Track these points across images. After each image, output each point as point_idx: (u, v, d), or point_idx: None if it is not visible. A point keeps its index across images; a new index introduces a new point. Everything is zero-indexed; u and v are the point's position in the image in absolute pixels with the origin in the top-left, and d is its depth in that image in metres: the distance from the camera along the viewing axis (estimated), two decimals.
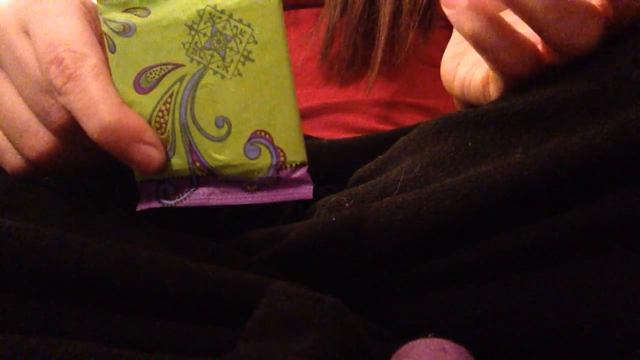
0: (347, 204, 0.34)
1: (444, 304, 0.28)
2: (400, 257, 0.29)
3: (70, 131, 0.26)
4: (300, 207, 0.39)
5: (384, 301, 0.30)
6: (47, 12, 0.26)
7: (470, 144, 0.29)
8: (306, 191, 0.27)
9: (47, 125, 0.27)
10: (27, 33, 0.27)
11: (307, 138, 0.49)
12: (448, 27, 0.58)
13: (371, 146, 0.41)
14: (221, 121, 0.26)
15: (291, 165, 0.26)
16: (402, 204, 0.28)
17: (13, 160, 0.28)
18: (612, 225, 0.23)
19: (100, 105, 0.25)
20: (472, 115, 0.29)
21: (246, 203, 0.27)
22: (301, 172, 0.26)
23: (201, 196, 0.27)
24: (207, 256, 0.30)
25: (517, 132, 0.27)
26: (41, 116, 0.27)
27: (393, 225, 0.28)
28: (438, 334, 0.25)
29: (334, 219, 0.31)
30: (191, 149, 0.26)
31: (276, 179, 0.26)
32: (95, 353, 0.22)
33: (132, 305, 0.25)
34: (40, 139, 0.27)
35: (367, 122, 0.55)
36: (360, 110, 0.55)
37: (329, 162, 0.44)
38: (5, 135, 0.28)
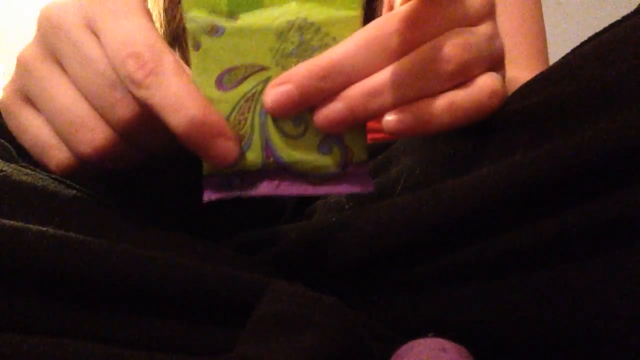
0: (346, 206, 0.34)
1: (444, 304, 0.28)
2: (400, 257, 0.29)
3: (132, 127, 0.27)
4: (300, 208, 0.39)
5: (384, 301, 0.30)
6: (117, 11, 0.26)
7: (470, 146, 0.29)
8: (367, 186, 0.29)
9: (110, 120, 0.27)
10: (93, 31, 0.27)
11: None
12: None
13: (372, 151, 0.42)
14: (299, 120, 0.28)
15: (356, 163, 0.28)
16: (402, 205, 0.28)
17: (60, 155, 0.28)
18: (612, 225, 0.23)
19: (185, 100, 0.25)
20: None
21: (310, 194, 0.29)
22: (364, 169, 0.28)
23: (268, 187, 0.29)
24: (207, 256, 0.30)
25: (518, 134, 0.27)
26: (105, 111, 0.27)
27: (393, 225, 0.28)
28: (438, 334, 0.25)
29: (334, 219, 0.31)
30: (267, 145, 0.28)
31: (342, 174, 0.28)
32: (95, 353, 0.22)
33: (132, 305, 0.25)
34: (98, 134, 0.27)
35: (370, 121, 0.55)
36: None
37: None
38: (56, 130, 0.28)
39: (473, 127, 0.28)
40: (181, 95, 0.25)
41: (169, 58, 0.26)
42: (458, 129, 0.27)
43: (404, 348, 0.24)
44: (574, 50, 0.29)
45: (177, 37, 0.51)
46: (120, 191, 0.35)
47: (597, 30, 0.29)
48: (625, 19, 0.27)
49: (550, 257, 0.25)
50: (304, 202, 0.39)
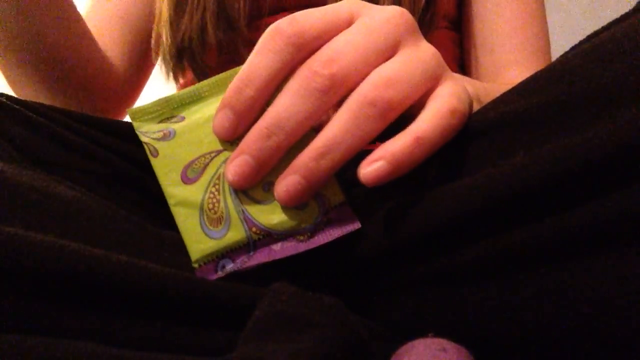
0: None
1: (444, 304, 0.28)
2: (400, 257, 0.29)
3: None
4: None
5: (384, 301, 0.30)
6: None
7: (470, 149, 0.29)
8: (354, 224, 0.30)
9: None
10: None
11: None
12: (449, 28, 0.58)
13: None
14: (267, 185, 0.29)
15: (335, 207, 0.29)
16: (402, 205, 0.28)
17: None
18: (612, 225, 0.23)
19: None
20: (471, 121, 0.29)
21: (304, 250, 0.30)
22: (345, 210, 0.30)
23: (261, 256, 0.29)
24: None
25: (518, 135, 0.27)
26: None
27: (393, 225, 0.28)
28: (438, 334, 0.25)
29: None
30: (245, 218, 0.29)
31: (326, 221, 0.29)
32: (95, 353, 0.22)
33: (132, 307, 0.25)
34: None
35: None
36: None
37: None
38: None
39: (473, 129, 0.28)
40: None
41: None
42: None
43: (404, 348, 0.24)
44: (572, 49, 0.29)
45: (183, 49, 0.51)
46: (120, 192, 0.35)
47: (597, 29, 0.29)
48: (624, 17, 0.27)
49: (551, 257, 0.25)
50: None
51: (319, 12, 0.28)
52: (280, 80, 0.28)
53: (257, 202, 0.29)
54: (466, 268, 0.27)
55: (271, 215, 0.29)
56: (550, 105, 0.26)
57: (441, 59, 0.30)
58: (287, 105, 0.27)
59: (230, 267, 0.29)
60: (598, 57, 0.25)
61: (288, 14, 0.28)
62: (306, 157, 0.27)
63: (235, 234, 0.29)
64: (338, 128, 0.27)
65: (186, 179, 0.29)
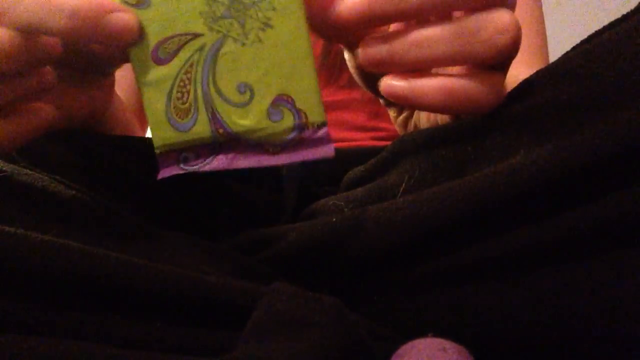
0: (345, 209, 0.34)
1: (444, 304, 0.28)
2: (400, 257, 0.29)
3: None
4: (300, 208, 0.39)
5: (384, 301, 0.30)
6: None
7: (470, 149, 0.29)
8: (327, 149, 0.28)
9: None
10: None
11: None
12: None
13: (368, 153, 0.42)
14: (243, 87, 0.27)
15: (313, 126, 0.27)
16: (402, 205, 0.28)
17: None
18: (612, 225, 0.23)
19: (55, 1, 0.24)
20: (470, 121, 0.29)
21: (269, 164, 0.28)
22: (322, 132, 0.27)
23: (224, 160, 0.28)
24: (207, 256, 0.30)
25: (518, 135, 0.27)
26: None
27: (393, 225, 0.28)
28: (438, 334, 0.25)
29: (334, 220, 0.31)
30: (214, 117, 0.27)
31: (299, 140, 0.27)
32: (95, 353, 0.22)
33: (132, 307, 0.25)
34: None
35: (363, 120, 0.55)
36: (357, 108, 0.56)
37: (329, 166, 0.44)
38: None
39: (472, 131, 0.28)
40: None
41: None
42: (457, 129, 0.27)
43: (404, 348, 0.24)
44: (574, 49, 0.29)
45: None
46: (120, 191, 0.35)
47: (597, 29, 0.29)
48: (625, 18, 0.27)
49: (551, 257, 0.25)
50: (304, 203, 0.39)
51: None
52: None
53: (229, 102, 0.27)
54: (466, 268, 0.27)
55: (242, 120, 0.27)
56: (550, 105, 0.26)
57: None
58: None
59: (192, 163, 0.28)
60: (599, 57, 0.25)
61: None
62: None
63: (201, 130, 0.27)
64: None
65: (157, 59, 0.27)
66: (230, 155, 0.28)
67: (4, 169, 0.28)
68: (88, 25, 0.24)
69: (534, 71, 0.29)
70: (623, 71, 0.24)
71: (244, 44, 0.27)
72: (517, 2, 0.55)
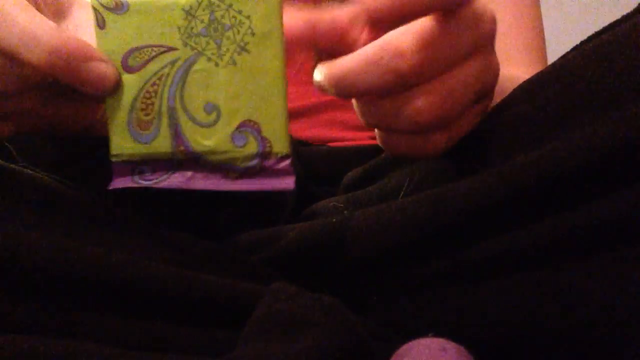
0: (345, 211, 0.34)
1: (444, 304, 0.28)
2: (400, 257, 0.29)
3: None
4: (300, 208, 0.39)
5: (384, 301, 0.30)
6: None
7: (470, 151, 0.29)
8: (288, 182, 0.27)
9: None
10: None
11: (308, 145, 0.49)
12: None
13: (367, 153, 0.42)
14: (211, 107, 0.26)
15: (276, 156, 0.27)
16: (402, 205, 0.28)
17: None
18: (612, 225, 0.23)
19: (39, 32, 0.24)
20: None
21: (226, 189, 0.27)
22: (285, 164, 0.27)
23: (180, 179, 0.27)
24: (207, 256, 0.30)
25: (518, 136, 0.27)
26: None
27: (393, 225, 0.28)
28: (438, 334, 0.25)
29: (334, 220, 0.31)
30: (177, 133, 0.27)
31: (260, 168, 0.27)
32: (95, 353, 0.22)
33: (132, 307, 0.25)
34: None
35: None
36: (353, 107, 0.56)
37: (328, 166, 0.44)
38: None
39: (473, 131, 0.28)
40: (32, 29, 0.24)
41: None
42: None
43: (404, 348, 0.24)
44: (574, 50, 0.29)
45: None
46: (121, 192, 0.35)
47: (597, 30, 0.29)
48: (625, 18, 0.27)
49: (550, 257, 0.25)
50: (304, 203, 0.39)
51: None
52: None
53: (194, 121, 0.26)
54: (466, 268, 0.27)
55: (205, 140, 0.26)
56: (550, 105, 0.26)
57: None
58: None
59: (147, 177, 0.27)
60: (599, 57, 0.25)
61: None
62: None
63: (161, 144, 0.27)
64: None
65: (126, 66, 0.26)
66: (188, 175, 0.27)
67: (5, 168, 0.28)
68: (66, 66, 0.24)
69: (533, 71, 0.29)
70: (622, 71, 0.24)
71: (217, 64, 0.26)
72: (515, 2, 0.55)
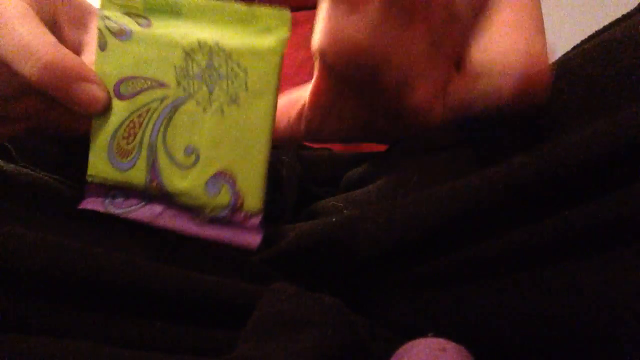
0: (345, 211, 0.34)
1: (443, 304, 0.28)
2: (399, 257, 0.29)
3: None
4: (300, 208, 0.39)
5: (384, 301, 0.30)
6: None
7: (469, 150, 0.29)
8: (252, 240, 0.27)
9: None
10: None
11: (309, 148, 0.49)
12: None
13: (369, 153, 0.42)
14: (191, 150, 0.26)
15: (246, 213, 0.27)
16: (401, 205, 0.28)
17: None
18: (612, 225, 0.23)
19: (35, 44, 0.24)
20: (470, 122, 0.29)
21: (192, 233, 0.27)
22: (253, 221, 0.27)
23: (149, 213, 0.27)
24: (207, 256, 0.30)
25: (518, 135, 0.27)
26: None
27: (393, 225, 0.28)
28: (438, 334, 0.25)
29: (334, 220, 0.31)
30: (153, 168, 0.27)
31: (228, 221, 0.27)
32: (95, 353, 0.22)
33: (132, 306, 0.25)
34: None
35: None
36: None
37: (329, 170, 0.45)
38: None
39: (473, 130, 0.28)
40: (29, 40, 0.24)
41: (11, 3, 0.24)
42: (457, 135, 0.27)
43: (404, 348, 0.24)
44: (574, 49, 0.29)
45: None
46: None
47: (597, 29, 0.29)
48: (624, 17, 0.27)
49: (550, 257, 0.25)
50: (304, 203, 0.39)
51: None
52: None
53: (172, 160, 0.27)
54: (466, 268, 0.27)
55: (178, 181, 0.27)
56: (550, 104, 0.26)
57: None
58: None
59: (118, 205, 0.27)
60: (599, 57, 0.25)
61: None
62: None
63: (136, 175, 0.27)
64: None
65: (117, 92, 0.27)
66: (157, 210, 0.27)
67: (4, 168, 0.28)
68: (57, 83, 0.24)
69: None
70: (622, 71, 0.24)
71: (205, 110, 0.26)
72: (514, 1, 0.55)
